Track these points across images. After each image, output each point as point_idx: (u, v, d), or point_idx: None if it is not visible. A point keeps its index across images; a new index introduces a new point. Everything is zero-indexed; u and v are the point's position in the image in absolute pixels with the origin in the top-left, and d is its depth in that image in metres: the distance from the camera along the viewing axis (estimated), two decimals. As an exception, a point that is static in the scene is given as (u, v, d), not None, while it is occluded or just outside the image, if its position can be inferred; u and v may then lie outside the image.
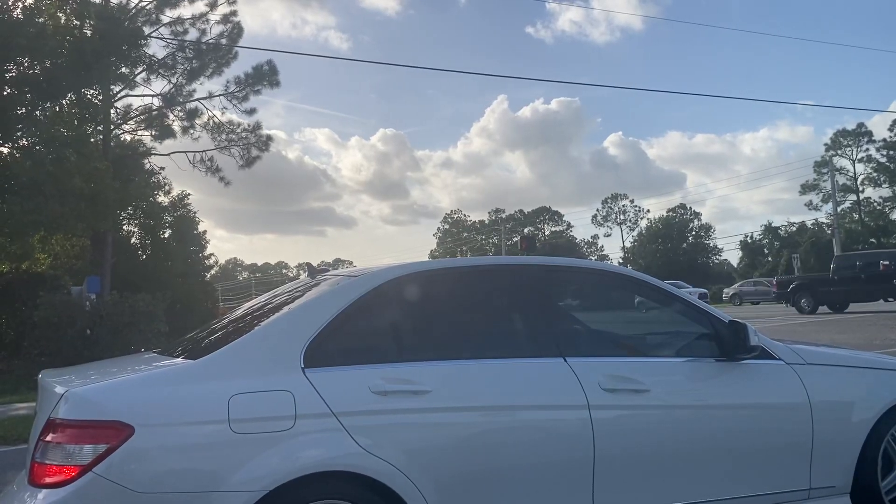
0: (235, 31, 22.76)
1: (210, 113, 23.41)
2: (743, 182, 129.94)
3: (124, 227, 27.63)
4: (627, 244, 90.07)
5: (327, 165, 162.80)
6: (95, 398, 2.90)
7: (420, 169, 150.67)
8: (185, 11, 22.04)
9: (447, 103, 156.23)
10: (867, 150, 69.42)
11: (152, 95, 22.76)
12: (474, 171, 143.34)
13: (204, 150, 23.75)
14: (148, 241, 28.87)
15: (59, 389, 2.94)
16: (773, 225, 73.74)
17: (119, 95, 22.14)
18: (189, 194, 30.24)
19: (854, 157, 70.01)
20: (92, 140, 19.26)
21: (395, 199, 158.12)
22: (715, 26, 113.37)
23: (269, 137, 24.30)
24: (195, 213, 30.88)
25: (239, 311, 4.07)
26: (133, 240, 28.74)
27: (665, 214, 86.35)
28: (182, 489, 2.77)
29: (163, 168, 26.13)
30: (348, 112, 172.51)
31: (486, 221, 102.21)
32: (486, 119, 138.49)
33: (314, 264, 4.22)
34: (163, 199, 28.70)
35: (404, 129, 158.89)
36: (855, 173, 70.01)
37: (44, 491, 2.76)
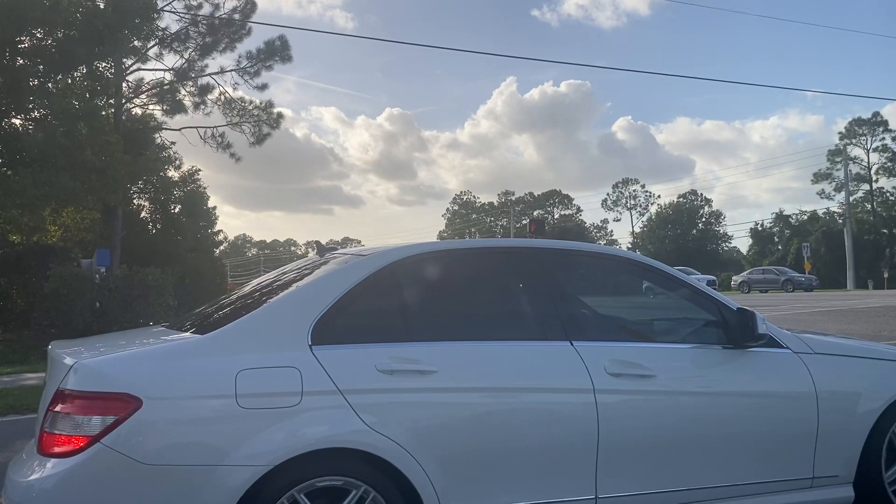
0: (248, 7, 22.69)
1: (222, 88, 23.41)
2: (752, 170, 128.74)
3: (134, 200, 27.62)
4: (637, 229, 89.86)
5: (334, 144, 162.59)
6: (104, 370, 2.92)
7: (427, 150, 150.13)
8: (199, -15, 21.96)
9: (454, 84, 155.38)
10: (882, 139, 68.80)
11: (164, 70, 22.76)
12: (482, 153, 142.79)
13: (215, 126, 23.76)
14: (158, 216, 28.89)
15: (68, 361, 2.97)
16: (784, 213, 73.34)
17: (131, 69, 22.12)
18: (199, 170, 30.17)
19: (868, 146, 69.40)
20: (103, 113, 19.20)
21: (402, 179, 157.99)
22: (721, 9, 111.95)
23: (280, 115, 24.26)
24: (205, 188, 30.92)
25: (248, 288, 4.08)
26: (143, 214, 28.76)
27: (675, 200, 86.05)
28: (188, 462, 2.80)
29: (174, 143, 26.15)
30: (355, 92, 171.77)
31: (496, 203, 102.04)
32: (494, 101, 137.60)
33: (323, 243, 4.23)
34: (173, 173, 28.70)
35: (411, 110, 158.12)
36: (869, 163, 69.42)
37: (52, 460, 2.80)
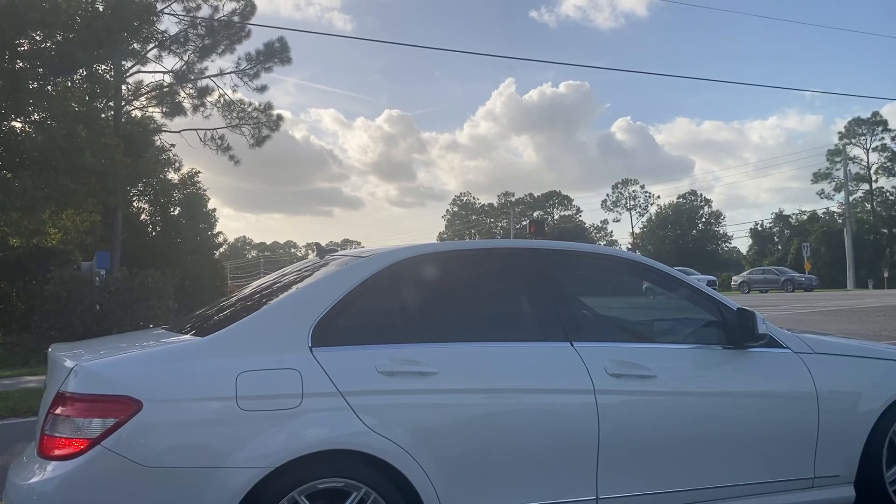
0: (248, 9, 22.69)
1: (221, 90, 23.43)
2: (751, 170, 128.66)
3: (134, 203, 27.65)
4: (637, 230, 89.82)
5: (334, 146, 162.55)
6: (105, 373, 2.92)
7: (426, 151, 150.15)
8: (198, -12, 21.96)
9: (453, 85, 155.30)
10: (882, 139, 68.82)
11: (163, 72, 22.78)
12: (481, 155, 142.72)
13: (214, 129, 23.80)
14: (158, 218, 28.91)
15: (68, 363, 2.97)
16: (784, 213, 73.37)
17: (130, 71, 22.13)
18: (199, 172, 30.21)
19: (868, 146, 69.42)
20: (103, 116, 19.23)
21: (401, 180, 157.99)
22: (721, 9, 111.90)
23: (280, 117, 24.29)
24: (205, 190, 30.94)
25: (247, 290, 4.08)
26: (143, 216, 28.79)
27: (675, 201, 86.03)
28: (188, 464, 2.79)
29: (173, 145, 26.26)
30: (354, 93, 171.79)
31: (496, 205, 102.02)
32: (493, 102, 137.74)
33: (323, 244, 4.23)
34: (173, 176, 28.74)
35: (410, 111, 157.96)
36: (868, 162, 69.45)
37: (53, 463, 2.79)
